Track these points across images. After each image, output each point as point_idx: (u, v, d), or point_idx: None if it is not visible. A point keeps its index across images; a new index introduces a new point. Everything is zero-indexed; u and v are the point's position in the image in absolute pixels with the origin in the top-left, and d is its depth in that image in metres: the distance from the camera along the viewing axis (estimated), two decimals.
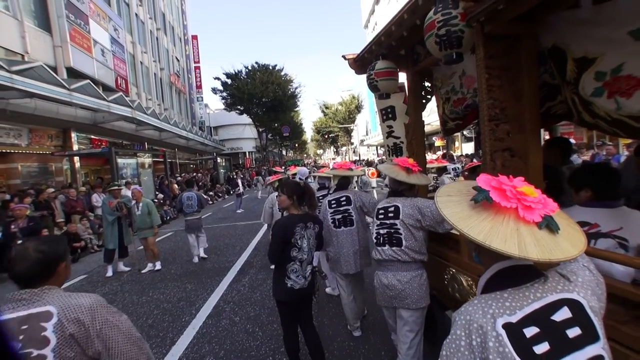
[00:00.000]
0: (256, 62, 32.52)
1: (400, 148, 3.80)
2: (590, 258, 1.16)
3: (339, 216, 3.54)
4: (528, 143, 2.13)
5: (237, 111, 34.42)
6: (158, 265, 6.94)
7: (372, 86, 3.33)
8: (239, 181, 16.04)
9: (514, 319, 0.91)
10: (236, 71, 32.36)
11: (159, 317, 4.64)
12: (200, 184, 19.18)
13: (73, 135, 13.49)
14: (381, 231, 2.66)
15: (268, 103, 33.12)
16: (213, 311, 4.68)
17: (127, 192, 11.07)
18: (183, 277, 6.32)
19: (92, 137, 15.10)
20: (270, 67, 32.69)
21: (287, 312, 2.94)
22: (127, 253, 7.11)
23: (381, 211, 2.71)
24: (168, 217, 13.48)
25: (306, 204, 2.92)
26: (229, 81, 32.31)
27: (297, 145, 56.27)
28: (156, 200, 13.09)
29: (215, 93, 33.20)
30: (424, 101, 3.50)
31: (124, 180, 12.20)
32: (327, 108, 51.03)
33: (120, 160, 12.49)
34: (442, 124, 3.54)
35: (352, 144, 52.45)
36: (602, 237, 1.74)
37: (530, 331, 0.89)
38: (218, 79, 32.41)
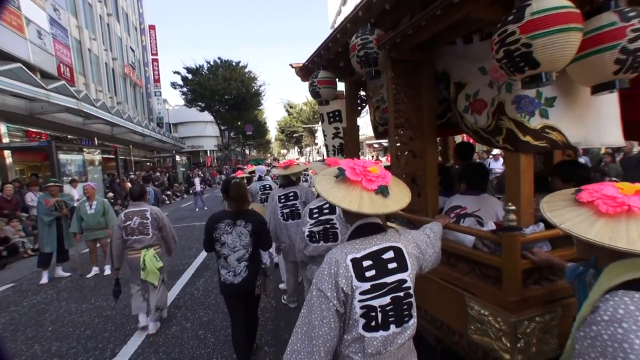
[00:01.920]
0: (219, 58, 31.43)
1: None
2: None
3: (287, 210, 3.95)
4: (426, 146, 2.71)
5: (198, 108, 33.07)
6: (107, 270, 6.24)
7: (315, 92, 3.83)
8: (196, 180, 15.46)
9: (358, 255, 1.42)
10: (197, 66, 30.98)
11: (100, 327, 4.21)
12: (157, 183, 18.20)
13: (2, 126, 11.90)
14: (315, 229, 2.99)
15: (231, 100, 32.02)
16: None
17: (72, 191, 10.15)
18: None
19: (30, 129, 13.67)
20: (234, 64, 31.64)
21: (228, 303, 3.12)
22: (67, 257, 6.35)
23: (315, 210, 3.02)
24: None
25: (231, 200, 3.00)
26: (189, 76, 30.85)
27: (260, 144, 55.38)
28: (106, 199, 12.14)
29: (175, 88, 31.66)
30: (359, 108, 4.10)
31: (69, 178, 11.19)
32: (291, 107, 50.50)
33: (62, 156, 11.38)
34: (373, 128, 3.97)
35: (316, 144, 52.32)
36: (467, 217, 2.37)
37: (366, 262, 1.41)
38: (178, 73, 30.88)
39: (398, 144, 2.69)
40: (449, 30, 2.11)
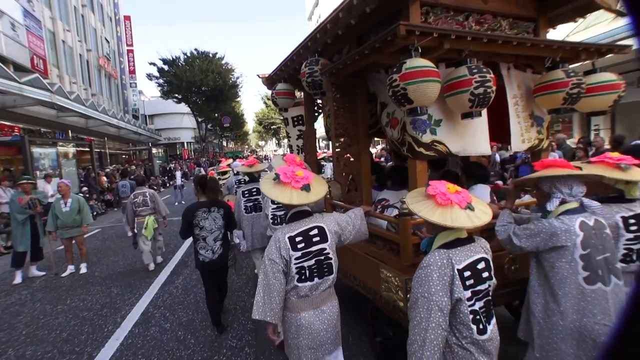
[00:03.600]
0: (195, 49, 30.65)
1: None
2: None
3: (251, 204, 4.49)
4: (361, 150, 3.41)
5: (175, 99, 32.30)
6: (83, 268, 6.18)
7: (274, 102, 4.57)
8: (177, 173, 15.14)
9: (293, 234, 2.03)
10: (174, 57, 30.14)
11: (77, 329, 4.09)
12: (132, 177, 17.60)
13: None
14: (278, 213, 3.65)
15: (208, 92, 31.42)
16: (141, 318, 4.24)
17: (46, 186, 9.75)
18: (108, 280, 5.69)
19: (2, 122, 12.95)
20: (211, 55, 30.99)
21: (205, 278, 3.83)
22: (41, 256, 6.19)
23: None
24: (95, 213, 12.15)
25: (208, 192, 3.72)
26: (165, 67, 30.04)
27: (238, 136, 54.44)
28: (81, 194, 11.70)
29: (151, 79, 30.76)
30: (315, 114, 4.60)
31: (43, 172, 10.72)
32: (268, 99, 49.87)
33: (36, 150, 10.92)
34: (326, 132, 4.50)
35: None
36: (390, 207, 3.02)
37: (298, 238, 2.02)
38: (154, 64, 30.01)
39: (338, 150, 3.38)
40: (372, 64, 2.71)
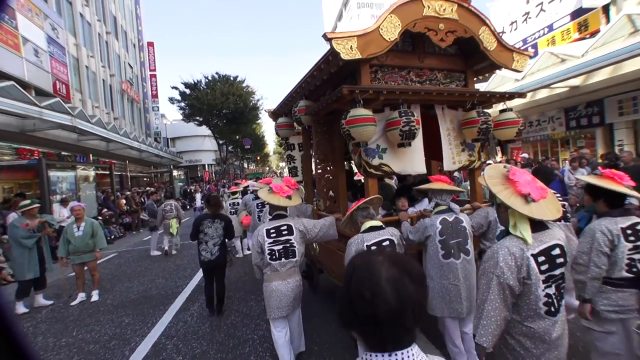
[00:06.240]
0: (216, 73, 31.99)
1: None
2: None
3: (262, 214, 5.62)
4: (337, 172, 4.55)
5: (196, 122, 33.60)
6: (95, 295, 5.96)
7: (277, 132, 5.71)
8: (197, 195, 15.05)
9: (269, 227, 3.29)
10: (195, 81, 31.64)
11: None
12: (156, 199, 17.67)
13: None
14: None
15: (229, 115, 32.54)
16: (151, 351, 4.01)
17: (62, 211, 9.66)
18: (120, 308, 5.44)
19: (22, 146, 13.31)
20: (232, 78, 32.05)
21: (205, 274, 4.99)
22: (45, 284, 6.01)
23: None
24: (112, 236, 12.09)
25: (210, 206, 4.97)
26: (187, 91, 31.56)
27: (258, 158, 54.96)
28: (100, 218, 11.64)
29: (173, 103, 32.38)
30: (311, 141, 5.26)
31: (58, 197, 10.69)
32: None
33: (53, 174, 10.99)
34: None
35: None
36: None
37: (272, 231, 3.25)
38: (176, 88, 31.59)
39: (320, 171, 4.60)
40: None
